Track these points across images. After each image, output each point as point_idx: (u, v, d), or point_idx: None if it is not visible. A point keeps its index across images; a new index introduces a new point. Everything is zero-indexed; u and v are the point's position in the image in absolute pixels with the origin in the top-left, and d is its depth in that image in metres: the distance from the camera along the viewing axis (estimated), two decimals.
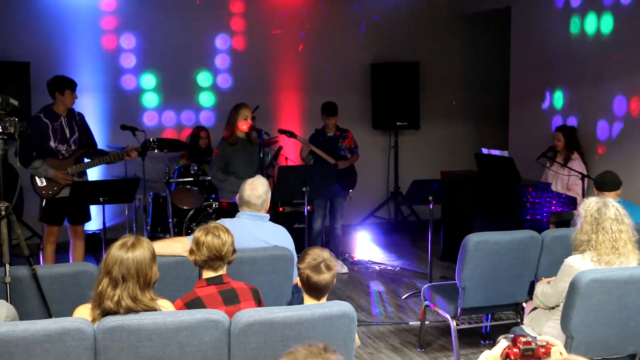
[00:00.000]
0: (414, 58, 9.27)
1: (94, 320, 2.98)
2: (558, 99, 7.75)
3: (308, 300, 3.38)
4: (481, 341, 5.27)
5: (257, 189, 4.27)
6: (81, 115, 6.12)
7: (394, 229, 9.14)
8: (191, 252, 3.42)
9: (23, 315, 3.51)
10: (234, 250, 3.44)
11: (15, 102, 3.96)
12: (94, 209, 6.53)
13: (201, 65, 8.61)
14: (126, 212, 7.41)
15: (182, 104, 8.54)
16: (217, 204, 7.24)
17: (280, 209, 7.75)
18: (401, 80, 9.16)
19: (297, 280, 3.47)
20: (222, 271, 3.41)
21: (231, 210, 4.52)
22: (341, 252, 7.58)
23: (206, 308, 3.22)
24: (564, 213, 6.44)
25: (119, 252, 2.98)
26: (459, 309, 4.75)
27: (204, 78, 8.66)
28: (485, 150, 7.21)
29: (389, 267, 7.50)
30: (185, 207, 7.30)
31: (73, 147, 5.97)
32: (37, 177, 5.88)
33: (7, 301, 3.50)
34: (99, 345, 2.91)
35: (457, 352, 4.82)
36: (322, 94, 8.19)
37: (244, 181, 4.37)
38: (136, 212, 7.57)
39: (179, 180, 7.38)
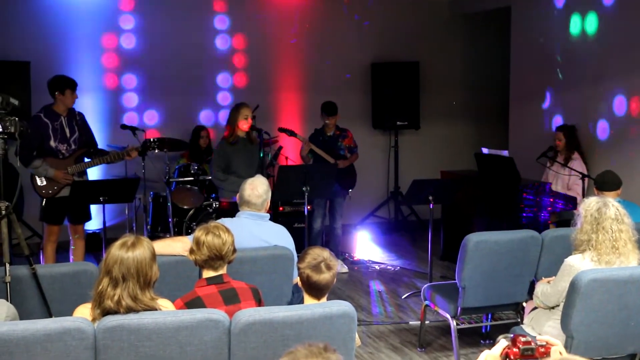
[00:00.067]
0: (414, 58, 9.28)
1: (94, 319, 2.98)
2: (558, 98, 7.75)
3: (308, 299, 3.39)
4: (481, 341, 5.27)
5: (257, 188, 4.27)
6: (81, 115, 6.12)
7: (394, 229, 9.14)
8: (191, 251, 3.42)
9: (23, 314, 3.51)
10: (234, 250, 3.44)
11: (16, 102, 3.96)
12: (94, 209, 6.53)
13: (201, 65, 8.61)
14: (126, 211, 7.41)
15: (182, 104, 8.54)
16: (217, 203, 7.24)
17: (281, 208, 7.75)
18: (401, 80, 9.16)
19: (297, 279, 3.47)
20: (223, 271, 3.41)
21: (231, 210, 4.51)
22: (341, 252, 7.58)
23: (206, 308, 3.22)
24: (564, 213, 6.44)
25: (119, 252, 2.98)
26: (459, 308, 4.75)
27: (204, 77, 8.66)
28: (485, 150, 7.21)
29: (389, 267, 7.50)
30: (185, 207, 7.30)
31: (73, 147, 5.97)
32: (37, 177, 5.88)
33: (8, 301, 3.50)
34: (99, 345, 2.91)
35: (457, 352, 4.82)
36: (322, 93, 8.19)
37: (244, 181, 4.37)
38: (136, 212, 7.58)
39: (179, 180, 7.38)
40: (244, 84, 8.75)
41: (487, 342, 5.19)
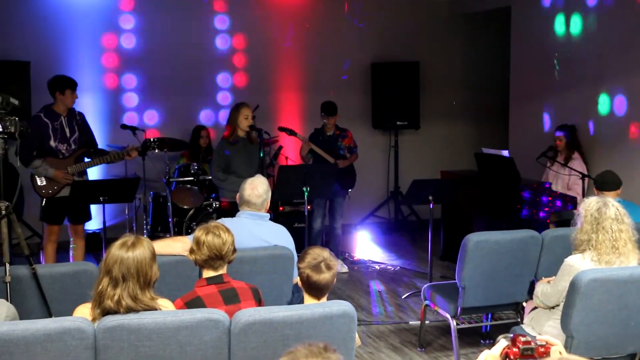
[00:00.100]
0: (414, 58, 9.28)
1: (94, 319, 2.98)
2: (558, 98, 7.75)
3: (308, 299, 3.39)
4: (481, 341, 5.27)
5: (257, 188, 4.27)
6: (82, 115, 6.12)
7: (394, 229, 9.14)
8: (191, 251, 3.42)
9: (23, 314, 3.52)
10: (234, 250, 3.45)
11: (16, 102, 3.96)
12: (94, 209, 6.54)
13: (201, 65, 8.61)
14: (126, 211, 7.41)
15: (182, 104, 8.54)
16: (217, 203, 7.25)
17: (281, 208, 7.75)
18: (401, 80, 9.16)
19: (297, 279, 3.47)
20: (223, 270, 3.41)
21: (231, 210, 4.52)
22: (341, 252, 7.58)
23: (206, 307, 3.22)
24: (564, 213, 6.44)
25: (119, 252, 2.98)
26: (459, 308, 4.75)
27: (204, 77, 8.66)
28: (485, 150, 7.21)
29: (389, 267, 7.51)
30: (185, 207, 7.30)
31: (73, 147, 5.98)
32: (37, 177, 5.88)
33: (8, 300, 3.50)
34: (99, 345, 2.91)
35: (457, 352, 4.82)
36: (322, 93, 8.19)
37: (244, 180, 4.38)
38: (136, 212, 7.58)
39: (179, 180, 7.38)
40: (244, 83, 8.75)
41: (487, 342, 5.19)
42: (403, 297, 6.42)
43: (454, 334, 4.81)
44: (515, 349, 2.14)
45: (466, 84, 9.72)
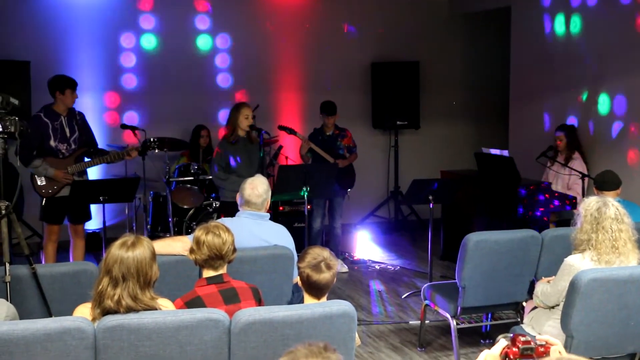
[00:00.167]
0: (414, 57, 9.28)
1: (94, 319, 2.98)
2: (558, 98, 7.75)
3: (308, 299, 3.39)
4: (481, 340, 5.27)
5: (257, 188, 4.27)
6: (82, 115, 6.12)
7: (394, 228, 9.14)
8: (191, 251, 3.42)
9: (23, 314, 3.52)
10: (235, 250, 3.45)
11: (16, 101, 3.96)
12: (94, 208, 6.54)
13: (201, 64, 8.62)
14: (126, 211, 7.41)
15: (181, 103, 8.54)
16: (217, 203, 7.25)
17: (280, 208, 7.76)
18: (401, 80, 9.16)
19: (297, 279, 3.47)
20: (223, 270, 3.41)
21: (231, 209, 4.52)
22: (341, 252, 7.58)
23: (206, 307, 3.23)
24: (564, 212, 6.44)
25: (119, 252, 2.98)
26: (459, 308, 4.75)
27: (204, 77, 8.66)
28: (485, 150, 7.21)
29: (389, 267, 7.51)
30: (185, 206, 7.31)
31: (73, 147, 5.98)
32: (37, 176, 5.88)
33: (7, 300, 3.50)
34: (99, 345, 2.91)
35: (457, 352, 4.82)
36: (322, 93, 8.19)
37: (244, 180, 4.38)
38: (136, 212, 7.57)
39: (179, 180, 7.38)
40: (244, 83, 8.73)
41: (487, 341, 5.20)
42: (403, 296, 6.42)
43: (454, 333, 4.81)
44: (515, 349, 2.14)
45: (466, 84, 9.72)
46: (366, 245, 8.12)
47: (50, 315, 3.67)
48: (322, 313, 3.15)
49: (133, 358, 2.95)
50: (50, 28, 7.95)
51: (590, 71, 7.27)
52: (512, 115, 8.56)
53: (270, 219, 4.38)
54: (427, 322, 5.46)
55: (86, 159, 6.12)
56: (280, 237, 4.27)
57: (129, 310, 2.95)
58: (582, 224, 3.84)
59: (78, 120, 6.04)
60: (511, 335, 2.20)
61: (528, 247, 4.72)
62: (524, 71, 8.31)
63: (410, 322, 5.75)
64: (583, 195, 6.30)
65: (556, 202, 6.49)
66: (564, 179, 6.90)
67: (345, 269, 7.25)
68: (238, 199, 4.36)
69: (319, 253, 3.35)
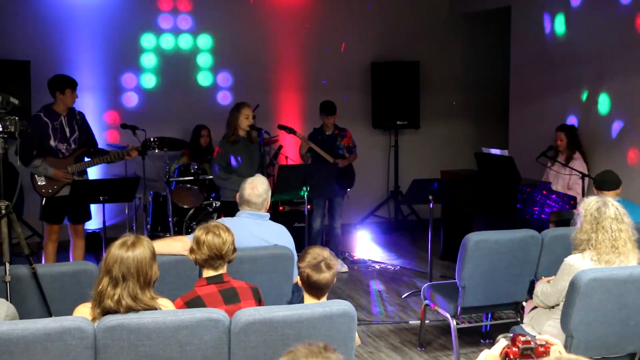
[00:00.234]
0: (414, 57, 9.28)
1: (94, 319, 2.98)
2: (558, 98, 7.75)
3: (308, 299, 3.39)
4: (481, 340, 5.28)
5: (257, 187, 4.27)
6: (82, 115, 6.12)
7: (394, 228, 9.14)
8: (191, 251, 3.42)
9: (23, 314, 3.52)
10: (235, 249, 3.45)
11: (16, 101, 3.96)
12: (94, 208, 6.54)
13: (201, 65, 8.62)
14: (126, 211, 7.41)
15: (181, 103, 8.54)
16: (217, 203, 7.25)
17: (280, 208, 7.76)
18: (401, 80, 9.16)
19: (297, 279, 3.47)
20: (223, 270, 3.41)
21: (232, 209, 4.52)
22: (341, 251, 7.58)
23: (206, 307, 3.23)
24: (564, 212, 6.44)
25: (119, 251, 2.98)
26: (459, 308, 4.75)
27: (204, 77, 8.66)
28: (485, 150, 7.21)
29: (389, 266, 7.51)
30: (185, 206, 7.31)
31: (73, 146, 5.98)
32: (37, 176, 5.88)
33: (7, 300, 3.50)
34: (99, 344, 2.91)
35: (457, 351, 4.82)
36: (322, 93, 8.19)
37: (244, 180, 4.38)
38: (136, 211, 7.58)
39: (179, 179, 7.38)
40: (244, 83, 8.74)
41: (487, 341, 5.20)
42: (403, 296, 6.42)
43: (453, 333, 4.81)
44: (515, 349, 2.14)
45: (466, 84, 9.72)
46: (366, 245, 8.11)
47: (50, 315, 3.67)
48: (322, 313, 3.15)
49: (133, 358, 2.96)
50: (50, 28, 7.96)
51: (590, 71, 7.27)
52: (512, 115, 8.56)
53: (270, 218, 4.38)
54: (427, 322, 5.46)
55: (86, 159, 6.12)
56: (280, 237, 4.27)
57: (129, 310, 2.95)
58: (582, 223, 3.84)
59: (78, 120, 6.04)
60: (511, 335, 2.20)
61: (528, 247, 4.72)
62: (524, 71, 8.31)
63: (410, 322, 5.75)
64: (583, 195, 6.30)
65: (556, 202, 6.49)
66: (564, 179, 6.90)
67: (345, 268, 7.25)
68: (238, 199, 4.36)
69: (319, 253, 3.35)
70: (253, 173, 4.84)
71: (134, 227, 7.40)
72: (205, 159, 7.65)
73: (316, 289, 3.35)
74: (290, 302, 4.00)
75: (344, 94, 8.74)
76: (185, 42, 8.54)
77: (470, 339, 5.29)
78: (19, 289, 3.74)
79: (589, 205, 3.85)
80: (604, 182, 4.96)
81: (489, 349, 2.21)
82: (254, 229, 4.20)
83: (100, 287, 2.97)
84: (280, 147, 8.13)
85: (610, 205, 3.81)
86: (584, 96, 7.37)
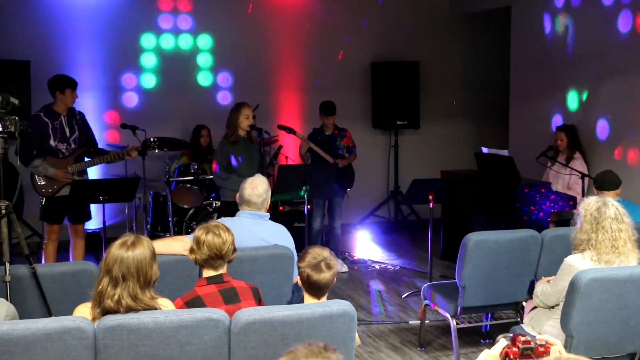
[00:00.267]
0: (414, 57, 9.28)
1: (94, 319, 2.98)
2: (558, 98, 7.75)
3: (308, 299, 3.39)
4: (481, 340, 5.28)
5: (257, 187, 4.27)
6: (82, 115, 6.12)
7: (394, 228, 9.14)
8: (191, 251, 3.42)
9: (23, 314, 3.52)
10: (235, 249, 3.45)
11: (16, 101, 3.96)
12: (94, 208, 6.54)
13: (201, 65, 8.62)
14: (126, 211, 7.41)
15: (181, 103, 8.55)
16: (217, 202, 7.25)
17: (280, 208, 7.76)
18: (401, 80, 9.16)
19: (297, 279, 3.47)
20: (223, 270, 3.41)
21: (233, 209, 4.52)
22: (341, 251, 7.58)
23: (206, 307, 3.23)
24: (564, 212, 6.44)
25: (119, 251, 2.98)
26: (459, 308, 4.75)
27: (204, 77, 8.66)
28: (485, 150, 7.21)
29: (389, 266, 7.51)
30: (185, 206, 7.31)
31: (73, 146, 5.98)
32: (37, 176, 5.88)
33: (7, 300, 3.50)
34: (99, 344, 2.91)
35: (457, 351, 4.82)
36: (322, 93, 8.19)
37: (244, 180, 4.38)
38: (136, 211, 7.58)
39: (179, 179, 7.38)
40: (244, 83, 8.74)
41: (487, 341, 5.20)
42: (403, 296, 6.42)
43: (453, 333, 4.81)
44: (515, 349, 2.14)
45: (466, 84, 9.72)
46: (366, 245, 8.11)
47: (50, 315, 3.67)
48: (322, 313, 3.15)
49: (133, 358, 2.96)
50: (50, 28, 7.96)
51: (590, 71, 7.27)
52: (512, 115, 8.56)
53: (270, 218, 4.38)
54: (427, 322, 5.46)
55: (86, 159, 6.13)
56: (280, 236, 4.27)
57: (129, 310, 2.95)
58: (582, 223, 3.85)
59: (78, 120, 6.04)
60: (511, 335, 2.20)
61: (528, 247, 4.72)
62: (524, 71, 8.31)
63: (410, 322, 5.75)
64: (583, 195, 6.30)
65: (556, 202, 6.49)
66: (565, 179, 6.90)
67: (345, 268, 7.25)
68: (238, 199, 4.36)
69: (319, 253, 3.35)
70: (253, 173, 4.84)
71: (134, 227, 7.40)
72: (206, 159, 7.65)
73: (316, 289, 3.35)
74: (290, 302, 4.00)
75: (345, 95, 8.73)
76: (185, 42, 8.54)
77: (470, 339, 5.29)
78: (19, 289, 3.74)
79: (589, 205, 3.85)
80: (604, 182, 4.96)
81: (489, 349, 2.21)
82: (254, 229, 4.20)
83: (100, 287, 2.97)
84: (280, 147, 8.13)
85: (610, 205, 3.81)
86: (584, 96, 7.37)
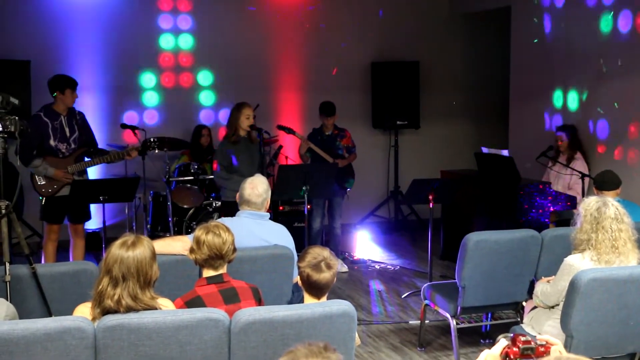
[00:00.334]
0: (415, 57, 9.28)
1: (94, 319, 2.98)
2: (558, 98, 7.75)
3: (308, 299, 3.39)
4: (481, 340, 5.28)
5: (257, 187, 4.27)
6: (82, 115, 6.12)
7: (394, 228, 9.14)
8: (191, 250, 3.42)
9: (23, 314, 3.52)
10: (235, 249, 3.45)
11: (16, 101, 3.96)
12: (94, 208, 6.54)
13: (201, 65, 8.62)
14: (126, 211, 7.41)
15: (182, 103, 8.55)
16: (217, 202, 7.25)
17: (280, 208, 7.76)
18: (401, 80, 9.16)
19: (297, 279, 3.47)
20: (223, 270, 3.41)
21: (233, 209, 4.52)
22: (341, 251, 7.58)
23: (206, 307, 3.23)
24: (564, 212, 6.44)
25: (119, 251, 2.98)
26: (459, 308, 4.75)
27: (204, 77, 8.66)
28: (485, 150, 7.21)
29: (389, 266, 7.51)
30: (185, 206, 7.31)
31: (73, 146, 5.98)
32: (37, 176, 5.89)
33: (7, 300, 3.50)
34: (99, 344, 2.91)
35: (457, 351, 4.82)
36: (322, 93, 8.19)
37: (244, 180, 4.38)
38: (136, 211, 7.58)
39: (179, 179, 7.38)
40: (244, 83, 8.73)
41: (487, 341, 5.20)
42: (403, 296, 6.42)
43: (453, 333, 4.81)
44: (515, 349, 2.14)
45: (466, 84, 9.72)
46: (366, 245, 8.11)
47: (50, 314, 3.67)
48: (322, 313, 3.15)
49: (133, 358, 2.95)
50: (50, 28, 7.95)
51: (590, 71, 7.27)
52: (512, 115, 8.56)
53: (270, 218, 4.38)
54: (427, 322, 5.46)
55: (86, 159, 6.13)
56: (280, 236, 4.26)
57: (129, 309, 2.95)
58: (582, 223, 3.85)
59: (78, 120, 6.04)
60: (511, 335, 2.20)
61: (528, 247, 4.72)
62: (524, 71, 8.31)
63: (410, 322, 5.75)
64: (583, 195, 6.30)
65: (556, 202, 6.49)
66: (565, 179, 6.90)
67: (345, 268, 7.25)
68: (238, 199, 4.36)
69: (319, 253, 3.35)
70: (254, 173, 4.83)
71: (134, 227, 7.39)
72: (206, 159, 7.65)
73: (316, 289, 3.35)
74: (290, 302, 4.00)
75: (345, 95, 8.73)
76: (185, 41, 8.54)
77: (470, 339, 5.29)
78: (19, 288, 3.74)
79: (589, 205, 3.85)
80: (604, 182, 4.95)
81: (489, 349, 2.21)
82: (254, 228, 4.20)
83: (100, 287, 2.97)
84: (280, 147, 8.13)
85: (610, 205, 3.81)
86: (584, 96, 7.37)
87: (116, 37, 8.22)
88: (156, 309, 3.02)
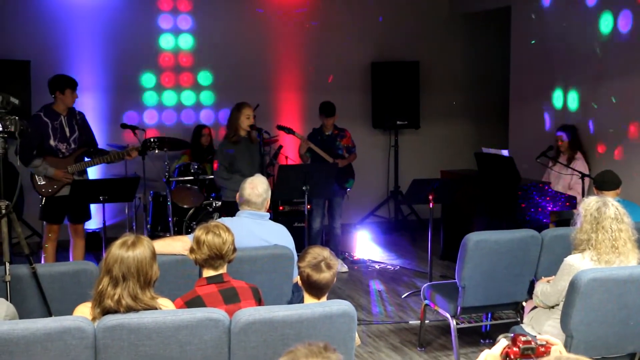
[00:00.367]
0: (415, 57, 9.28)
1: (94, 319, 2.98)
2: (558, 98, 7.75)
3: (308, 299, 3.39)
4: (481, 340, 5.28)
5: (257, 187, 4.27)
6: (82, 115, 6.12)
7: (394, 228, 9.14)
8: (192, 250, 3.42)
9: (23, 314, 3.52)
10: (235, 249, 3.45)
11: (16, 101, 3.96)
12: (94, 208, 6.53)
13: (201, 65, 8.62)
14: (126, 210, 7.41)
15: (182, 103, 8.55)
16: (217, 202, 7.25)
17: (280, 207, 7.76)
18: (401, 80, 9.16)
19: (297, 279, 3.47)
20: (223, 270, 3.41)
21: (234, 209, 4.53)
22: (341, 251, 7.58)
23: (206, 307, 3.23)
24: (564, 212, 6.44)
25: (119, 251, 2.98)
26: (459, 308, 4.75)
27: (204, 77, 8.67)
28: (485, 150, 7.21)
29: (389, 266, 7.51)
30: (185, 206, 7.31)
31: (73, 146, 5.98)
32: (37, 176, 5.89)
33: (7, 300, 3.50)
34: (99, 344, 2.91)
35: (457, 351, 4.82)
36: (322, 93, 8.19)
37: (244, 180, 4.38)
38: (136, 211, 7.57)
39: (179, 179, 7.38)
40: (244, 83, 8.73)
41: (487, 341, 5.20)
42: (403, 296, 6.42)
43: (453, 333, 4.81)
44: (515, 349, 2.14)
45: (466, 84, 9.72)
46: (366, 245, 8.11)
47: (50, 314, 3.67)
48: (322, 313, 3.15)
49: (133, 358, 2.95)
50: (50, 28, 7.95)
51: (590, 71, 7.27)
52: (512, 115, 8.56)
53: (270, 218, 4.38)
54: (427, 322, 5.46)
55: (86, 159, 6.13)
56: (280, 236, 4.26)
57: (129, 309, 2.95)
58: (582, 223, 3.84)
59: (78, 120, 6.05)
60: (512, 335, 2.20)
61: (528, 247, 4.72)
62: (524, 71, 8.31)
63: (410, 322, 5.75)
64: (583, 195, 6.30)
65: (556, 202, 6.49)
66: (566, 179, 6.89)
67: (345, 268, 7.25)
68: (238, 199, 4.36)
69: (319, 253, 3.35)
70: (254, 173, 4.84)
71: (134, 227, 7.39)
72: (206, 159, 7.65)
73: (316, 289, 3.35)
74: (290, 302, 4.00)
75: (345, 95, 8.73)
76: (185, 42, 8.54)
77: (470, 339, 5.29)
78: (19, 288, 3.74)
79: (589, 205, 3.85)
80: (604, 182, 4.95)
81: (489, 349, 2.21)
82: (254, 228, 4.20)
83: (101, 286, 2.97)
84: (280, 147, 8.13)
85: (610, 205, 3.81)
86: (584, 96, 7.36)
87: (116, 37, 8.22)
88: (156, 309, 3.02)
